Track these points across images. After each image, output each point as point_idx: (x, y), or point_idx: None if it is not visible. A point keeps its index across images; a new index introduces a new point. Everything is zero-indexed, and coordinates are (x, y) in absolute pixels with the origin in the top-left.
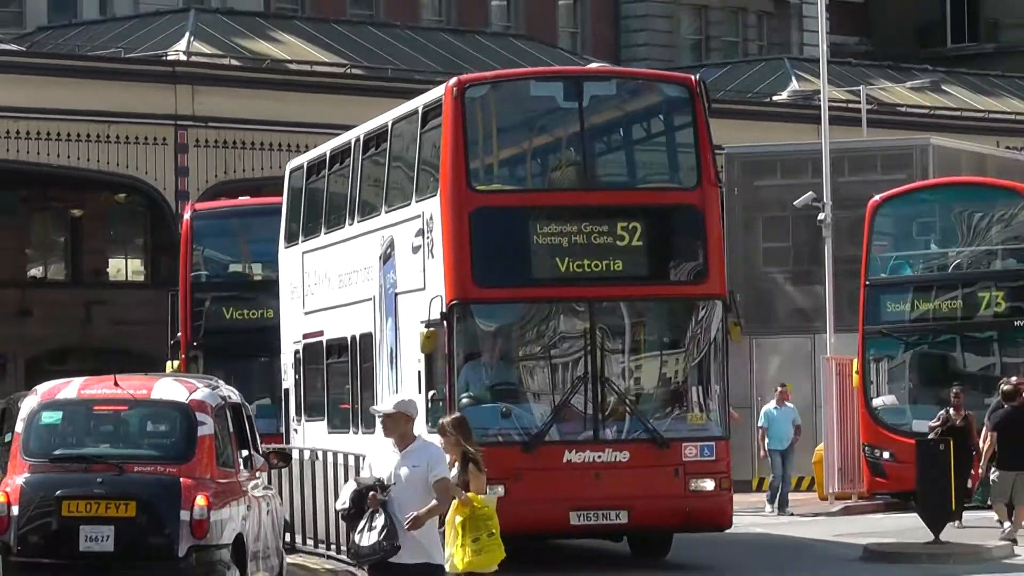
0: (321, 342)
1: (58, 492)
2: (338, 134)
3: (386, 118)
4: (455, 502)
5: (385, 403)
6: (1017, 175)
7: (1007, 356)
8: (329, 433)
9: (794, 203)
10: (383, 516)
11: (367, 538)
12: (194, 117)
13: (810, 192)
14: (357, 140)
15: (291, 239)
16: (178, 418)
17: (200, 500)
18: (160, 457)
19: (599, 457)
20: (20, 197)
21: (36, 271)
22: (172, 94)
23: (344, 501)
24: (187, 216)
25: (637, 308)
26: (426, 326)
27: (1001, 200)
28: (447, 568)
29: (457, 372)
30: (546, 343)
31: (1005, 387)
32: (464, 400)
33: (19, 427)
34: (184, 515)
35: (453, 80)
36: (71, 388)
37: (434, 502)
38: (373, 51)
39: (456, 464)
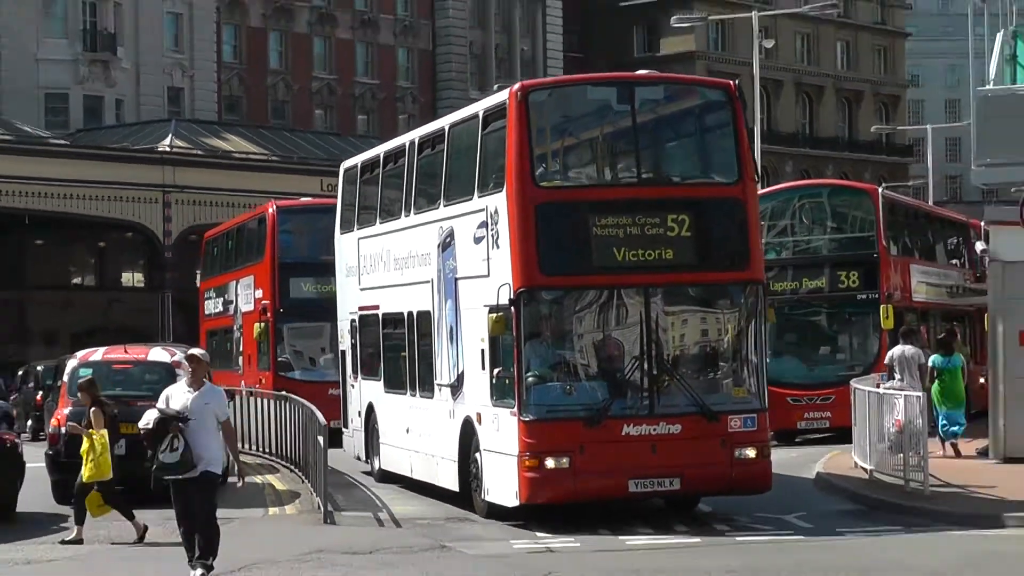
0: (377, 315)
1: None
2: (267, 197)
3: (443, 122)
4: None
5: (195, 350)
6: None
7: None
8: (386, 392)
9: None
10: (182, 440)
11: (169, 457)
12: (175, 186)
13: None
14: (412, 143)
15: (346, 227)
16: (164, 372)
17: None
18: (152, 396)
19: (654, 430)
20: (66, 233)
21: (76, 280)
22: (161, 171)
23: (148, 422)
24: (271, 211)
25: (687, 293)
26: (494, 311)
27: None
28: (77, 481)
29: (524, 353)
30: (604, 326)
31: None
32: (530, 379)
33: (65, 377)
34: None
35: (517, 85)
36: (98, 354)
37: (227, 436)
38: (285, 145)
39: (91, 409)
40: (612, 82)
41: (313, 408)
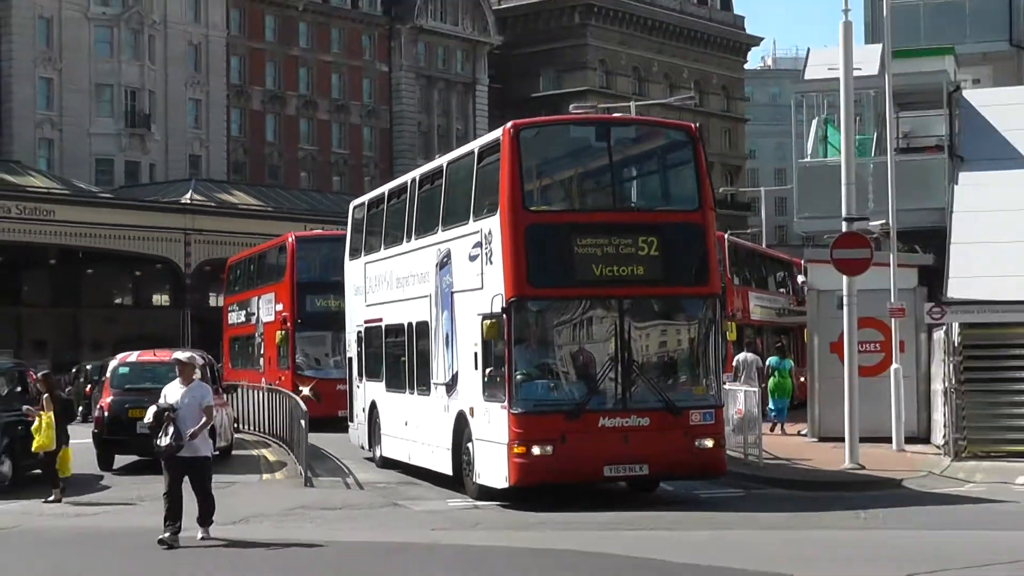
0: (380, 326)
1: (126, 405)
2: (264, 238)
3: (440, 161)
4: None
5: (180, 355)
6: None
7: None
8: (387, 391)
9: None
10: (173, 427)
11: (164, 440)
12: (193, 229)
13: None
14: (413, 180)
15: (354, 254)
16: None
17: None
18: None
19: (626, 422)
20: (110, 265)
21: (118, 300)
22: (183, 218)
23: (149, 418)
24: (290, 240)
25: (655, 304)
26: (488, 318)
27: None
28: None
29: (514, 354)
30: (584, 332)
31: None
32: (519, 377)
33: (108, 374)
34: None
35: (509, 124)
36: (133, 356)
37: (204, 419)
38: (278, 199)
39: (45, 396)
40: (591, 122)
41: (297, 399)
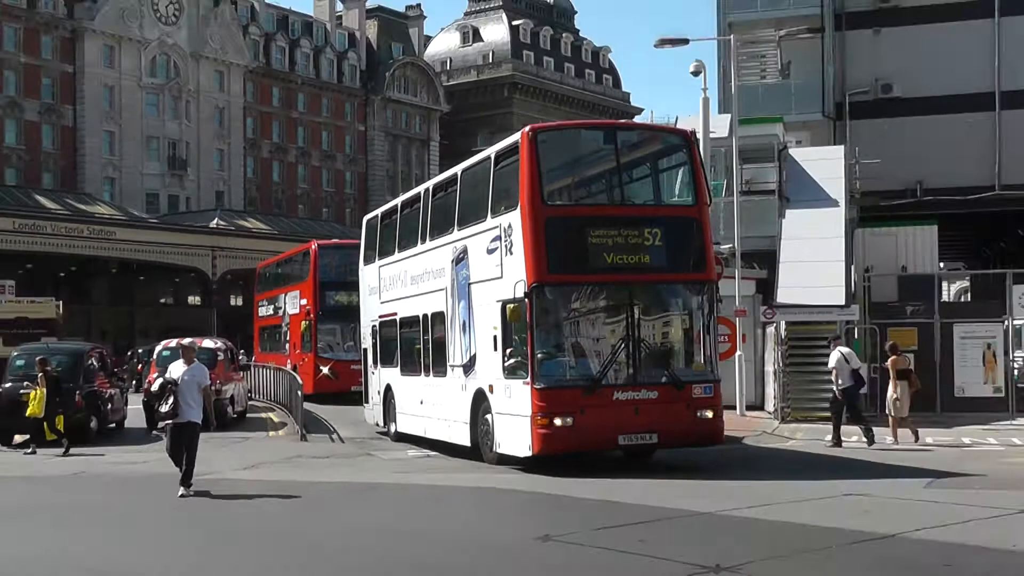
0: (395, 319)
1: (168, 381)
2: (272, 254)
3: (455, 170)
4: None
5: (185, 342)
6: None
7: None
8: (402, 375)
9: None
10: (173, 398)
11: (164, 408)
12: (218, 247)
13: None
14: (427, 190)
15: (368, 260)
16: (211, 353)
17: (217, 381)
18: (206, 364)
19: (637, 396)
20: (157, 273)
21: (162, 300)
22: (210, 239)
23: (155, 387)
24: (314, 247)
25: (660, 289)
26: (510, 303)
27: None
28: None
29: (535, 335)
30: (597, 314)
31: None
32: (540, 355)
33: (154, 355)
34: (213, 388)
35: (528, 128)
36: (173, 342)
37: (202, 396)
38: (281, 225)
39: (40, 375)
40: (600, 128)
41: (294, 375)
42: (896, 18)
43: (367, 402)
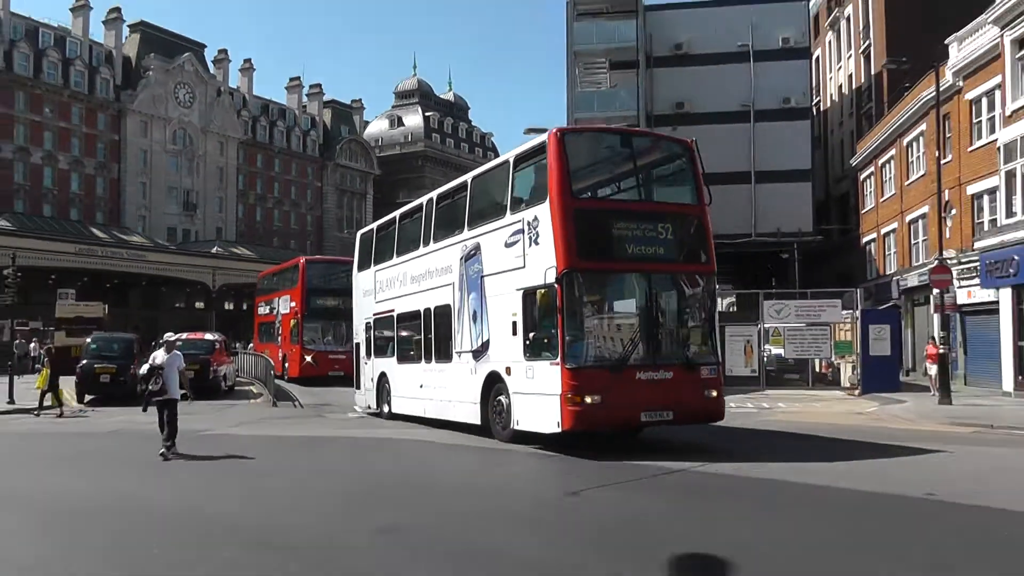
0: (391, 316)
1: (154, 366)
2: (255, 272)
3: (464, 178)
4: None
5: (168, 336)
6: None
7: None
8: (399, 363)
9: None
10: (160, 379)
11: (153, 386)
12: (218, 267)
13: None
14: (430, 200)
15: (363, 267)
16: (209, 343)
17: (214, 363)
18: (204, 353)
19: (656, 376)
20: (173, 286)
21: (177, 305)
22: (212, 261)
23: (143, 371)
24: (302, 262)
25: (672, 278)
26: (538, 289)
27: None
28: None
29: (565, 318)
30: (621, 299)
31: None
32: (568, 338)
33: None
34: (211, 368)
35: (555, 128)
36: (184, 335)
37: (179, 377)
38: (263, 253)
39: (46, 358)
40: (617, 132)
41: (269, 359)
42: (689, 59)
43: (358, 388)
